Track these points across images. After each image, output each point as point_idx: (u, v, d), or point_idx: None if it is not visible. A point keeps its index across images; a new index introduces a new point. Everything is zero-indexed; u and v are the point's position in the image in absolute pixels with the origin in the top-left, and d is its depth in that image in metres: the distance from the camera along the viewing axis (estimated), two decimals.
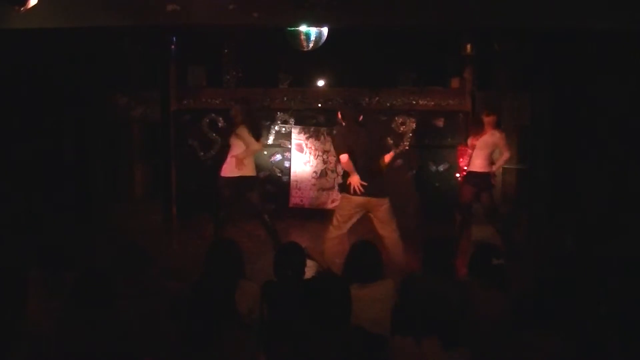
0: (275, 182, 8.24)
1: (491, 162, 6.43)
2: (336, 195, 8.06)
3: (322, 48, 6.41)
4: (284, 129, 8.27)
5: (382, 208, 5.28)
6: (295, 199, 8.25)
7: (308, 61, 7.55)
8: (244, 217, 7.00)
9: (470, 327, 3.05)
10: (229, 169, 6.27)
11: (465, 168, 6.62)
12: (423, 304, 2.76)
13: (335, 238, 5.33)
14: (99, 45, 7.18)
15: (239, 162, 6.20)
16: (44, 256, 3.54)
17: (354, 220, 5.38)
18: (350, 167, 5.22)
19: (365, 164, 5.26)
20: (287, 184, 8.25)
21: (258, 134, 6.41)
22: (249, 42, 8.00)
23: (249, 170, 6.28)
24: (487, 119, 6.40)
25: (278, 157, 8.26)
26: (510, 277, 3.54)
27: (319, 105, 8.25)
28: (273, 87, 8.39)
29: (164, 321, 3.00)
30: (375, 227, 5.40)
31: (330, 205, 8.14)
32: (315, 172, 8.25)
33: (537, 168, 7.63)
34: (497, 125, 6.48)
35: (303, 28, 6.10)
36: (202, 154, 8.29)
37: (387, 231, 5.32)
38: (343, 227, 5.34)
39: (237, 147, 6.27)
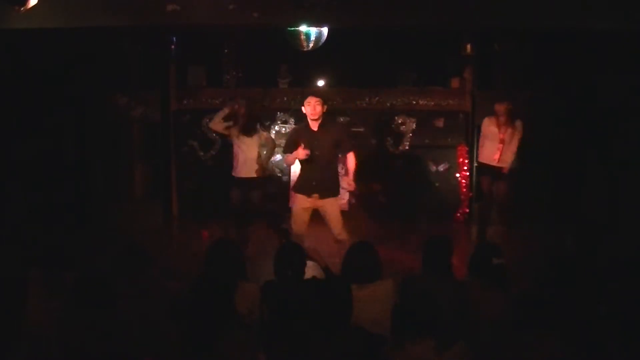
0: (275, 182, 8.23)
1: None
2: None
3: (322, 48, 6.40)
4: (284, 129, 8.26)
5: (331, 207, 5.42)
6: None
7: (308, 61, 7.54)
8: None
9: (470, 327, 3.05)
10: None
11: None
12: (423, 304, 2.76)
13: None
14: (99, 45, 7.18)
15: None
16: (44, 256, 3.54)
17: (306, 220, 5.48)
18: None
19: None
20: (287, 184, 8.24)
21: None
22: (249, 42, 7.99)
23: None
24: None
25: (278, 157, 8.25)
26: (510, 277, 3.54)
27: None
28: (273, 87, 8.38)
29: (164, 321, 3.00)
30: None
31: None
32: None
33: (537, 168, 7.62)
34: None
35: (303, 28, 6.09)
36: (202, 154, 8.28)
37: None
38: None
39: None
